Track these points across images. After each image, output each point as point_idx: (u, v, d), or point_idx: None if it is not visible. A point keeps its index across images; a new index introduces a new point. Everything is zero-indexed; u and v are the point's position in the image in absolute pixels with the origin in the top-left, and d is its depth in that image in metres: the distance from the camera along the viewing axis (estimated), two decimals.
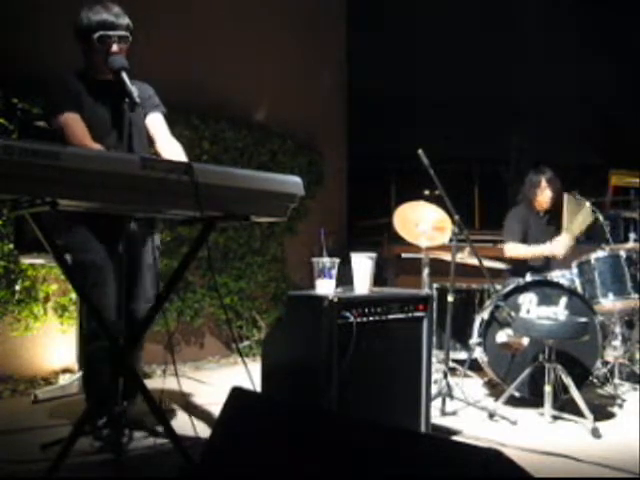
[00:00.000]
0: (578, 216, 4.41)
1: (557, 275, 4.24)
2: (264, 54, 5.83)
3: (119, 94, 2.57)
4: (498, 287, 4.14)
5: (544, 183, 4.57)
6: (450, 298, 3.90)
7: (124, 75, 2.58)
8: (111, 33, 2.69)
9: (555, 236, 4.50)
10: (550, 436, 3.26)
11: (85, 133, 2.70)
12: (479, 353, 3.97)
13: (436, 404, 3.49)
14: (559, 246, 4.39)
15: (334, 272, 2.75)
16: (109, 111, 2.78)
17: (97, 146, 2.66)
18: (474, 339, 4.01)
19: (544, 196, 4.59)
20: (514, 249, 4.49)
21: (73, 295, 4.19)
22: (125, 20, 2.74)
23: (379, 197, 9.75)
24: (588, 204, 4.42)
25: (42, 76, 2.89)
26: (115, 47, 2.69)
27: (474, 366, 4.26)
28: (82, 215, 2.59)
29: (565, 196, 4.39)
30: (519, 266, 4.49)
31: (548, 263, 4.58)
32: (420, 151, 3.60)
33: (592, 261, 4.19)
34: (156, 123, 2.94)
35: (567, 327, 3.44)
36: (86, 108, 2.76)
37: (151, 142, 2.93)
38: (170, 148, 2.89)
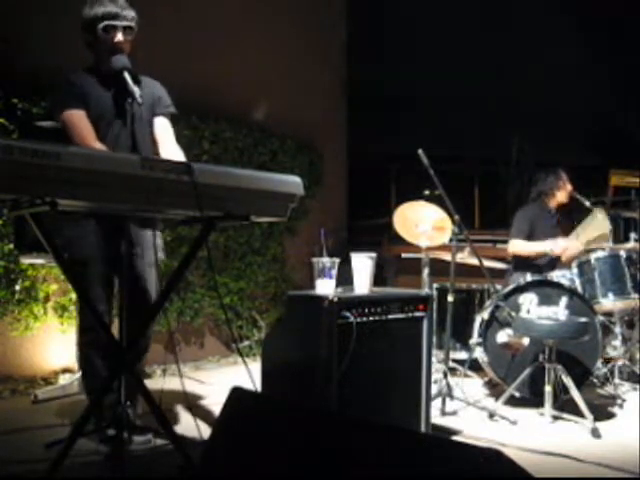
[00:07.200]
0: (591, 227, 4.45)
1: (557, 275, 4.26)
2: (264, 53, 5.83)
3: (124, 88, 2.58)
4: (498, 287, 4.15)
5: (566, 181, 4.65)
6: (450, 298, 3.91)
7: (126, 75, 2.58)
8: (116, 23, 2.71)
9: (562, 237, 4.55)
10: (550, 436, 3.26)
11: (89, 131, 2.70)
12: (479, 353, 3.97)
13: (436, 404, 3.49)
14: (560, 245, 4.41)
15: (334, 272, 2.75)
16: (114, 103, 2.78)
17: (100, 145, 2.66)
18: (474, 339, 4.02)
19: (564, 192, 4.65)
20: (517, 245, 4.55)
21: (73, 295, 4.19)
22: (130, 12, 2.76)
23: (379, 197, 9.73)
24: (600, 215, 4.45)
25: (43, 76, 2.89)
26: (120, 36, 2.72)
27: (474, 366, 4.26)
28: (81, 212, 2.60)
29: (596, 211, 4.41)
30: (523, 263, 4.52)
31: (553, 264, 4.59)
32: (420, 151, 3.61)
33: (592, 261, 4.20)
34: (162, 128, 2.95)
35: (567, 327, 3.44)
36: (93, 101, 2.77)
37: (154, 144, 2.94)
38: (171, 156, 2.87)
